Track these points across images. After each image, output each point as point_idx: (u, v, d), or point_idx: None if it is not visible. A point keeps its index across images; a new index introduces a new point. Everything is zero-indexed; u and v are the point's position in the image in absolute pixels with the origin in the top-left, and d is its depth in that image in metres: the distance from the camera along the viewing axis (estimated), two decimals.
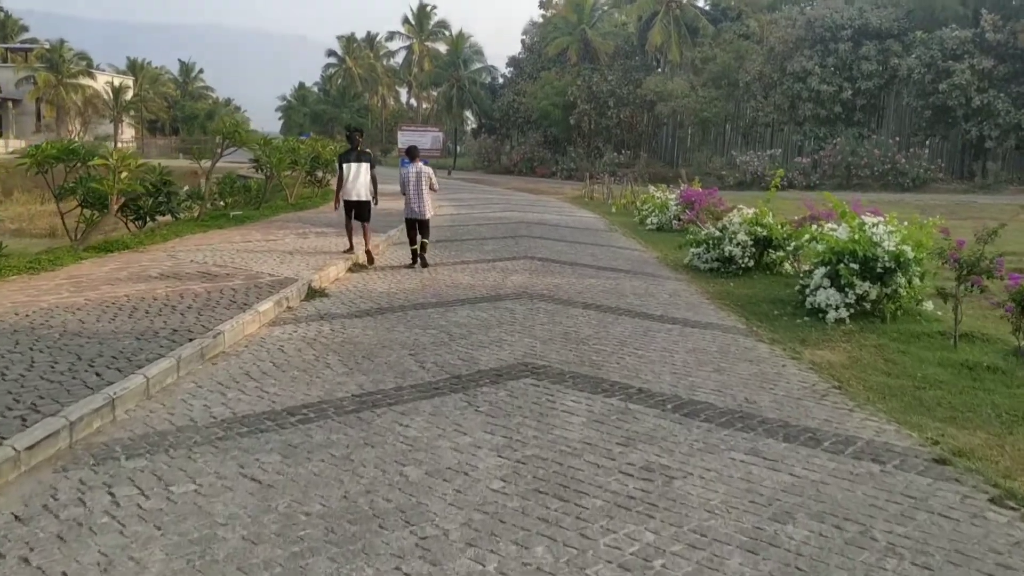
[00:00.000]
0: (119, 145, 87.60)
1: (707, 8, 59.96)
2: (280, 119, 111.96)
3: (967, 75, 42.45)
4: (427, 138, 69.71)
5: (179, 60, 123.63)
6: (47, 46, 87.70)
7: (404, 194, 12.71)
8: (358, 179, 12.72)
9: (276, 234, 15.21)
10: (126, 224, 18.87)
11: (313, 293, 9.71)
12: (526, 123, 65.43)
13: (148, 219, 18.76)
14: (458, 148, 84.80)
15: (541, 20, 72.22)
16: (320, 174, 28.75)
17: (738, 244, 12.42)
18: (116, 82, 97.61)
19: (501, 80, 76.36)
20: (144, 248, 12.73)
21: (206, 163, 17.07)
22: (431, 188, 12.82)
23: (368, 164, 12.87)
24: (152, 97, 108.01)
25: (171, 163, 27.60)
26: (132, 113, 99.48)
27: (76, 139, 74.62)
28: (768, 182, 47.18)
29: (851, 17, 47.93)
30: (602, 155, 57.32)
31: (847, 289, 8.94)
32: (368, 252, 12.82)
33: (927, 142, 47.17)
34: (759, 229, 12.46)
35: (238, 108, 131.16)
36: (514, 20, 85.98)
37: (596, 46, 62.82)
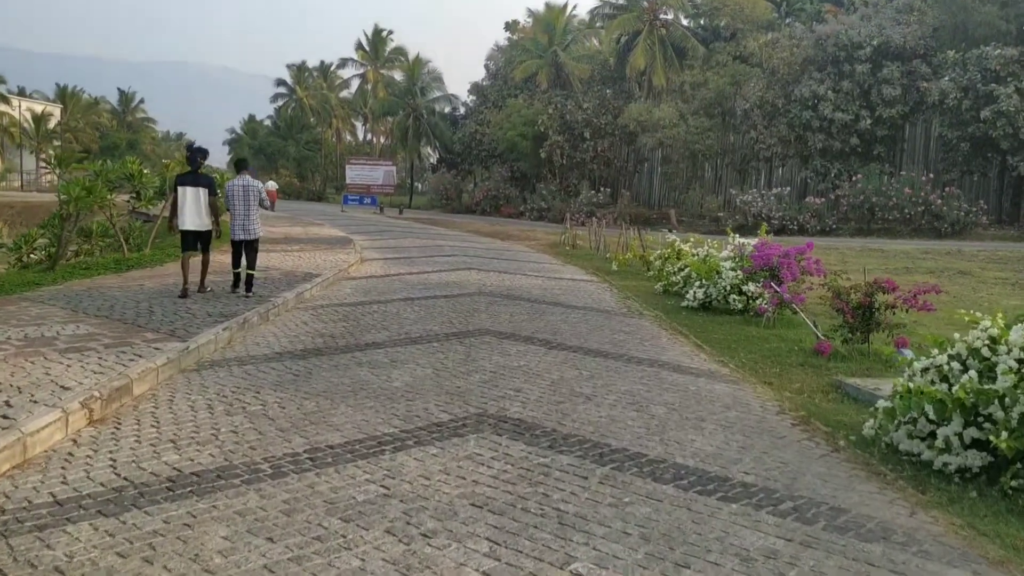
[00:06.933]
0: (28, 177, 78.33)
1: (697, 28, 52.78)
2: (229, 153, 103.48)
3: (1014, 100, 35.39)
4: (379, 172, 61.72)
5: (118, 89, 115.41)
6: None
7: (229, 210, 11.30)
8: (196, 205, 10.87)
9: None
10: None
11: None
12: (490, 157, 57.60)
13: None
14: (417, 185, 76.63)
15: (507, 43, 64.76)
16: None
17: None
18: (38, 109, 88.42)
19: (462, 110, 68.56)
20: None
21: None
22: (261, 205, 11.34)
23: (207, 189, 10.99)
24: (83, 127, 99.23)
25: None
26: (57, 144, 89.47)
27: None
28: (775, 225, 38.80)
29: (869, 34, 40.88)
30: (577, 193, 49.50)
31: None
32: (202, 283, 11.29)
33: (962, 179, 40.03)
34: None
35: (191, 142, 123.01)
36: (477, 47, 78.51)
37: (569, 70, 55.44)
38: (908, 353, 8.48)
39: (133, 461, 4.72)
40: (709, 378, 7.71)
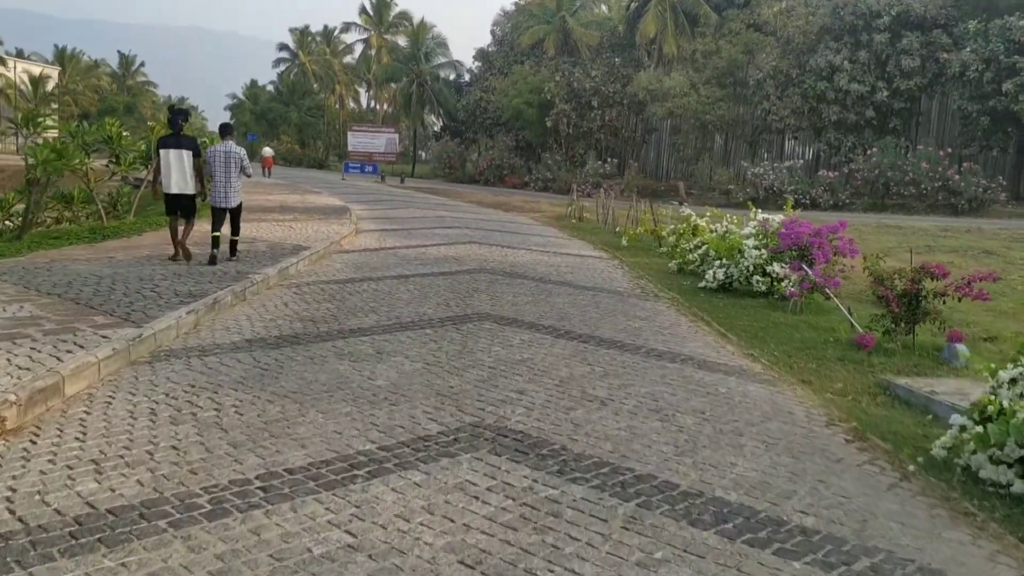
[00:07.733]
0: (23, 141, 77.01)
1: None
2: (232, 119, 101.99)
3: None
4: (381, 140, 60.33)
5: (118, 52, 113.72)
6: None
7: (211, 177, 10.92)
8: (180, 167, 10.60)
9: None
10: None
11: None
12: (495, 125, 56.22)
13: None
14: (420, 154, 75.27)
15: (514, 9, 63.12)
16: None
17: None
18: (36, 71, 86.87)
19: (467, 77, 67.02)
20: None
21: None
22: (243, 173, 10.96)
23: (191, 151, 10.69)
24: (82, 90, 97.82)
25: None
26: (55, 106, 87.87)
27: None
28: (786, 199, 37.95)
29: (889, 3, 39.44)
30: (584, 164, 48.24)
31: None
32: (184, 248, 10.84)
33: (980, 155, 38.75)
34: None
35: (194, 107, 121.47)
36: (483, 14, 76.54)
37: (577, 37, 53.96)
38: (964, 349, 7.52)
39: (37, 492, 3.76)
40: (740, 377, 6.73)
